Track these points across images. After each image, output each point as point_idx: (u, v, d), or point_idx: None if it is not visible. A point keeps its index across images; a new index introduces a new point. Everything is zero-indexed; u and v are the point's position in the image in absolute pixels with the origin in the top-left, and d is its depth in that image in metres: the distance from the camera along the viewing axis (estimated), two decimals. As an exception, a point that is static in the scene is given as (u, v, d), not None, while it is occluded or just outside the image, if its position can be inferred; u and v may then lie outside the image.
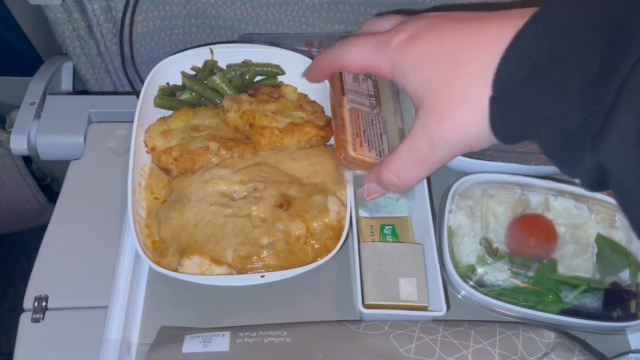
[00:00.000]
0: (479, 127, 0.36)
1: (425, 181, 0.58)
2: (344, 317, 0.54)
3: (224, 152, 0.58)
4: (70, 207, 0.60)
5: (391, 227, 0.59)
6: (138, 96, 0.61)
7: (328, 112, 0.64)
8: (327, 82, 0.63)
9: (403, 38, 0.40)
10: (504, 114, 0.35)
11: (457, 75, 0.36)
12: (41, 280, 0.55)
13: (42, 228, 0.59)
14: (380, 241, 0.58)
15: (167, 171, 0.58)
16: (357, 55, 0.44)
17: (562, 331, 0.50)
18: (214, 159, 0.58)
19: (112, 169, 0.63)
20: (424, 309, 0.52)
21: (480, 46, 0.35)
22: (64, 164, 0.65)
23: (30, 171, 1.01)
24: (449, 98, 0.37)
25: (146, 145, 0.59)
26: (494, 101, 0.34)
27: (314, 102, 0.65)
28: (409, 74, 0.40)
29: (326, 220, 0.55)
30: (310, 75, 0.55)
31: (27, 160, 0.99)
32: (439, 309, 0.51)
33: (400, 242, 0.57)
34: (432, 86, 0.38)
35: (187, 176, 0.57)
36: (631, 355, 0.48)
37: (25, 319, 0.53)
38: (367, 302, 0.51)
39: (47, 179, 1.12)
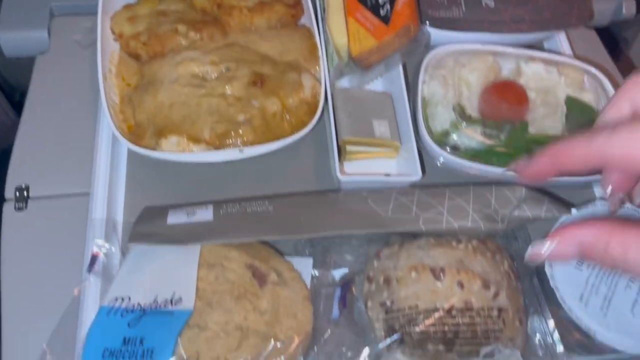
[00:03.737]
0: None
1: (399, 57, 0.58)
2: (323, 189, 0.55)
3: (193, 34, 0.57)
4: (42, 98, 0.59)
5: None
6: (100, -15, 0.59)
7: (297, -7, 0.62)
8: None
9: None
10: None
11: None
12: (20, 170, 0.55)
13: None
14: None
15: (136, 57, 0.57)
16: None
17: (533, 187, 0.52)
18: (183, 42, 0.57)
19: (80, 61, 0.62)
20: (397, 147, 0.55)
21: None
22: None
23: (-4, 84, 0.99)
24: None
25: (113, 32, 0.58)
26: None
27: (282, -18, 0.63)
28: None
29: (301, 95, 0.55)
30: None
31: (-7, 74, 0.96)
32: (415, 174, 0.53)
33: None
34: None
35: (157, 60, 0.56)
36: (597, 201, 0.50)
37: (8, 208, 0.53)
38: (343, 138, 0.53)
39: (16, 96, 1.09)
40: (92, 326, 0.44)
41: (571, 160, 0.32)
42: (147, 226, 0.47)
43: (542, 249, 0.33)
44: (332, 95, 0.56)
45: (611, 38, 1.08)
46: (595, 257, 0.31)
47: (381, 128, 0.55)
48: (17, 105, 1.07)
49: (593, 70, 0.58)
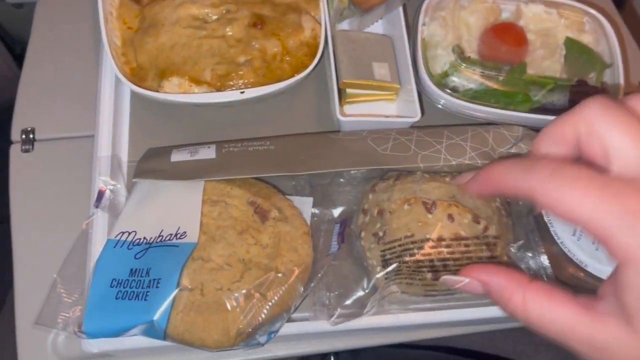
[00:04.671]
0: None
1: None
2: (323, 131, 0.56)
3: (193, -24, 0.57)
4: (44, 43, 0.60)
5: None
6: None
7: None
8: None
9: None
10: None
11: None
12: (26, 114, 0.56)
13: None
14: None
15: (136, 0, 0.58)
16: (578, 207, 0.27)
17: (531, 127, 0.53)
18: (183, -16, 0.57)
19: (81, 4, 0.62)
20: (397, 89, 0.56)
21: None
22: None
23: (-1, 36, 0.99)
24: None
25: (113, -24, 0.58)
26: None
27: None
28: None
29: (301, 37, 0.55)
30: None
31: (-5, 25, 0.96)
32: (415, 115, 0.53)
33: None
34: None
35: (158, 2, 0.56)
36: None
37: (15, 149, 0.54)
38: (343, 80, 0.54)
39: (17, 48, 1.09)
40: (100, 258, 0.45)
41: (505, 188, 0.32)
42: (152, 163, 0.49)
43: (455, 282, 0.37)
44: (332, 37, 0.56)
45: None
46: (499, 305, 0.33)
47: (381, 70, 0.56)
48: (18, 58, 1.07)
49: (593, 11, 0.57)
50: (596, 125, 0.29)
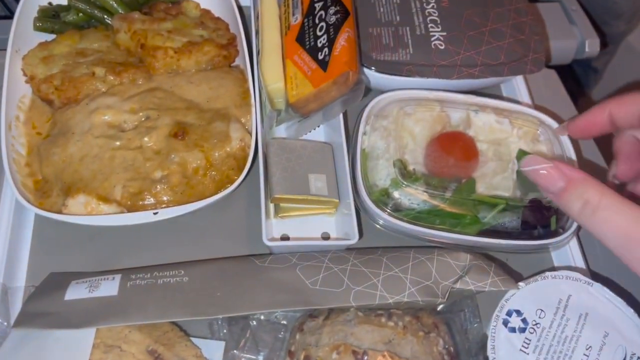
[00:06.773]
0: None
1: (339, 105, 0.53)
2: (253, 253, 0.50)
3: (111, 78, 0.52)
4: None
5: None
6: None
7: (233, 29, 0.57)
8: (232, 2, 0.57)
9: None
10: None
11: None
12: None
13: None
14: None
15: (48, 102, 0.52)
16: None
17: (482, 252, 0.48)
18: (100, 87, 0.52)
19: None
20: (335, 204, 0.51)
21: None
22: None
23: None
24: None
25: (25, 74, 0.53)
26: None
27: (217, 18, 0.59)
28: None
29: (228, 149, 0.50)
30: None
31: None
32: (352, 237, 0.48)
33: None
34: None
35: (71, 107, 0.51)
36: (547, 273, 0.45)
37: None
38: (274, 196, 0.48)
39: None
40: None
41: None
42: (41, 304, 0.42)
43: (539, 163, 0.38)
44: (265, 146, 0.51)
45: (580, 68, 1.05)
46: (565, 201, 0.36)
47: (318, 183, 0.51)
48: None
49: (548, 121, 0.53)
50: None
